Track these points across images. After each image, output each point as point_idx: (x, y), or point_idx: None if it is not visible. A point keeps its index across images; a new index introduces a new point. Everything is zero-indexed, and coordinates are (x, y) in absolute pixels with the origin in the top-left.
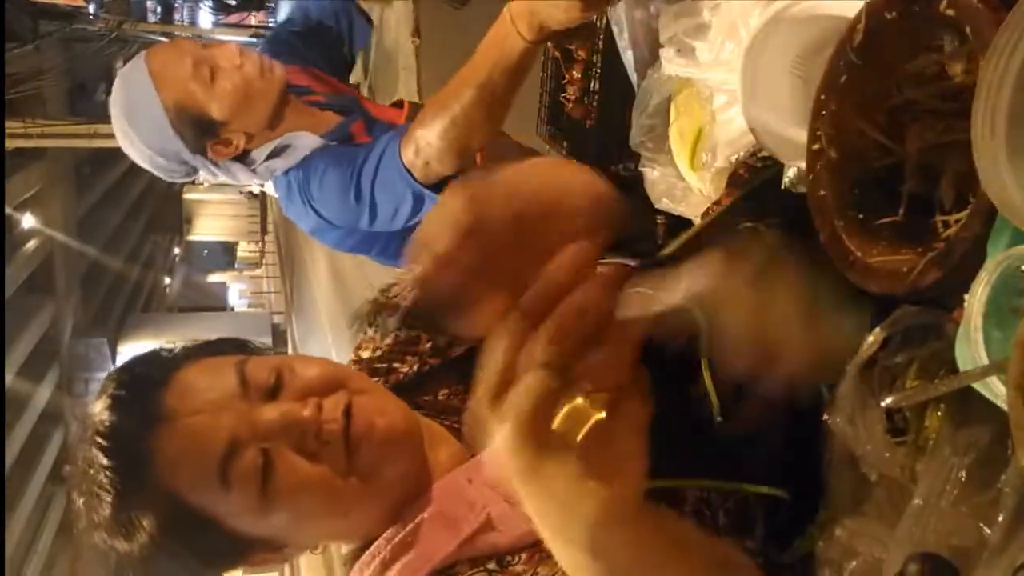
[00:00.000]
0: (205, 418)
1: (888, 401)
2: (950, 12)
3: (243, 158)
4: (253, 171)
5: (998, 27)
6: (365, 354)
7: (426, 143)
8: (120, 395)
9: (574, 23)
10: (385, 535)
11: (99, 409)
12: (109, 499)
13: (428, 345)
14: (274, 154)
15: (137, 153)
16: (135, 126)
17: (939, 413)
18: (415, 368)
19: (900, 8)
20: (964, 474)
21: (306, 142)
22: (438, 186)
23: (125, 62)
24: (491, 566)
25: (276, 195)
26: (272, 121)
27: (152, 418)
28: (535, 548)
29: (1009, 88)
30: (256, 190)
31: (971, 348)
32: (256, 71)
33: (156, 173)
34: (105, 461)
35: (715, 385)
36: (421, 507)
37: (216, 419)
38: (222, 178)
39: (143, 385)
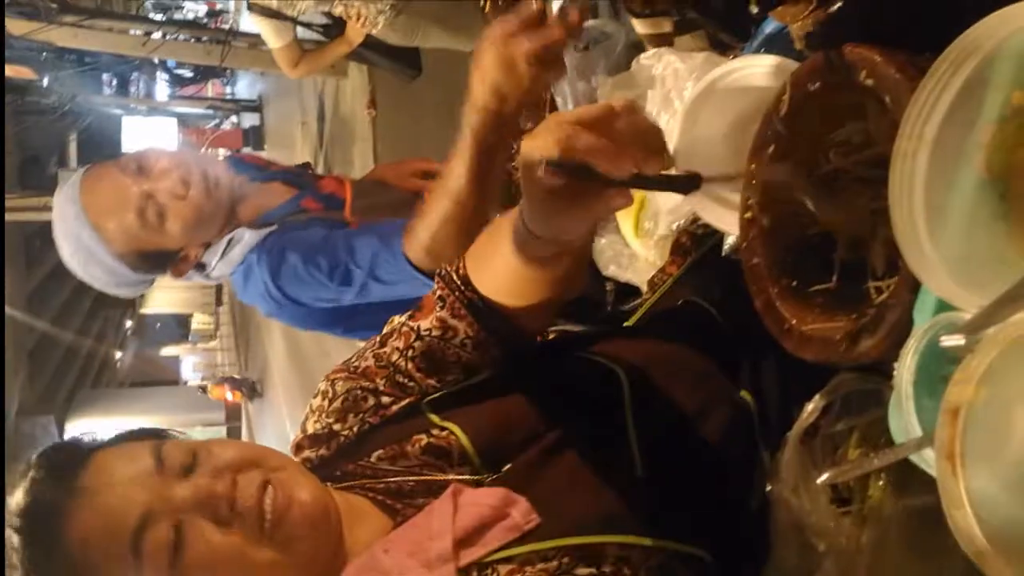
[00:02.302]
0: (118, 492)
1: (826, 476)
2: (870, 82)
3: (198, 264)
4: (207, 276)
5: None
6: (311, 427)
7: (431, 249)
8: (37, 476)
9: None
10: None
11: (16, 493)
12: None
13: (372, 403)
14: (224, 254)
15: (98, 285)
16: (91, 273)
17: (881, 483)
18: (355, 429)
19: (823, 79)
20: (907, 543)
21: (248, 238)
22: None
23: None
24: None
25: (232, 280)
26: (227, 225)
27: (66, 495)
28: None
29: (924, 158)
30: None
31: (903, 417)
32: (202, 194)
33: (120, 295)
34: (18, 541)
35: (639, 440)
36: None
37: (129, 493)
38: (185, 281)
39: (60, 466)
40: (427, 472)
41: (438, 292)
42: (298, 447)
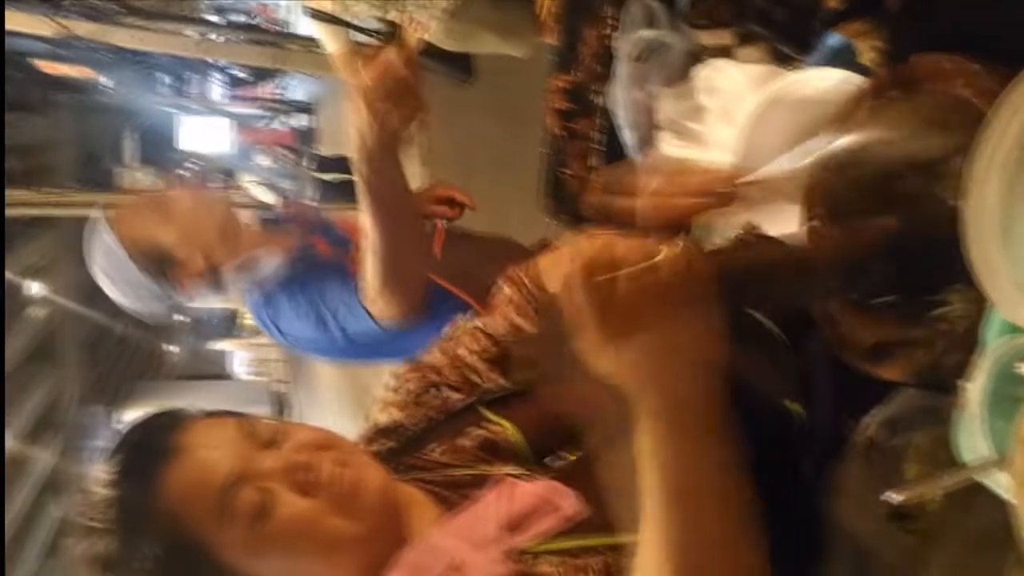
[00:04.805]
0: (211, 453)
1: (893, 497)
2: (966, 92)
3: (211, 279)
4: (223, 289)
5: None
6: (378, 419)
7: (374, 300)
8: (133, 439)
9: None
10: None
11: (110, 454)
12: (115, 530)
13: (437, 397)
14: (241, 268)
15: (119, 295)
16: (107, 272)
17: (942, 500)
18: (419, 425)
19: (892, 92)
20: (968, 562)
21: (270, 258)
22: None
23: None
24: None
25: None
26: (224, 237)
27: (163, 454)
28: None
29: (996, 183)
30: None
31: (973, 438)
32: (199, 196)
33: (143, 317)
34: (113, 493)
35: None
36: (392, 568)
37: (221, 455)
38: (198, 303)
39: (156, 429)
40: (480, 466)
41: (508, 291)
42: (365, 439)
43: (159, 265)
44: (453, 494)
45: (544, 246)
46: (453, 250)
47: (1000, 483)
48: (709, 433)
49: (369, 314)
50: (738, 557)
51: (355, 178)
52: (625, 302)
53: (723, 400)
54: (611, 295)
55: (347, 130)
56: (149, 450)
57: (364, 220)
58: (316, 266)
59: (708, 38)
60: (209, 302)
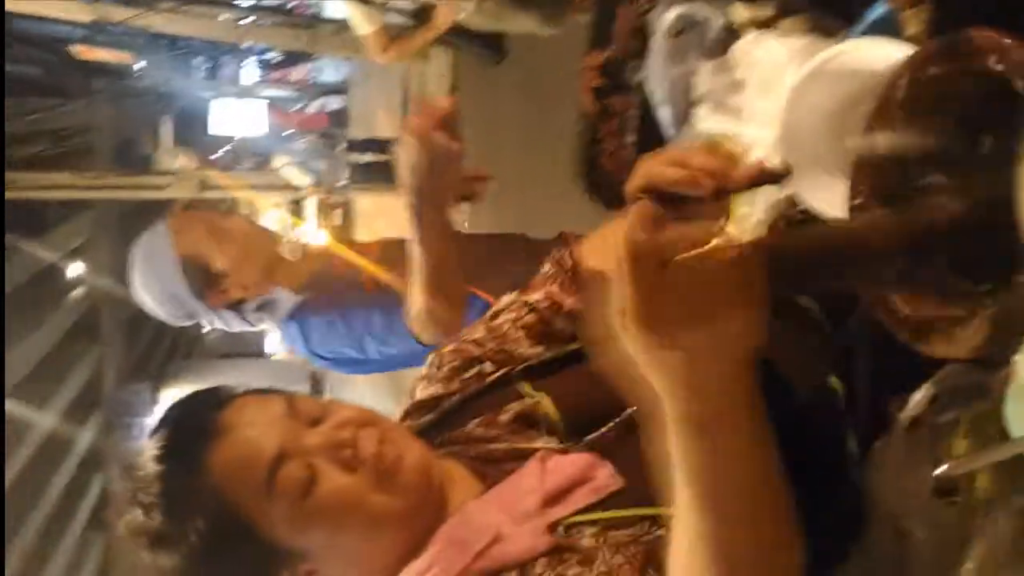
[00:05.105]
0: (256, 431)
1: (942, 470)
2: (999, 67)
3: (236, 307)
4: (244, 319)
5: None
6: (418, 394)
7: (423, 320)
8: (180, 416)
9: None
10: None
11: (157, 431)
12: (162, 506)
13: (475, 371)
14: (260, 308)
15: (145, 293)
16: (148, 268)
17: (989, 475)
18: (457, 397)
19: (943, 64)
20: (1017, 536)
21: (286, 300)
22: None
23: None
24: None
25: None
26: (267, 276)
27: (209, 432)
28: (552, 553)
29: None
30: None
31: (1022, 412)
32: (257, 234)
33: (159, 313)
34: (161, 469)
35: None
36: (432, 542)
37: (266, 432)
38: (217, 324)
39: (202, 408)
40: (516, 440)
41: (550, 270)
42: (405, 414)
43: (202, 283)
44: (491, 468)
45: (562, 239)
46: (467, 249)
47: None
48: (743, 438)
49: (412, 334)
50: (774, 559)
51: (405, 210)
52: (674, 290)
53: (759, 397)
54: (660, 282)
55: (400, 170)
56: (196, 427)
57: (411, 244)
58: (339, 286)
59: (748, 11)
60: (232, 327)
